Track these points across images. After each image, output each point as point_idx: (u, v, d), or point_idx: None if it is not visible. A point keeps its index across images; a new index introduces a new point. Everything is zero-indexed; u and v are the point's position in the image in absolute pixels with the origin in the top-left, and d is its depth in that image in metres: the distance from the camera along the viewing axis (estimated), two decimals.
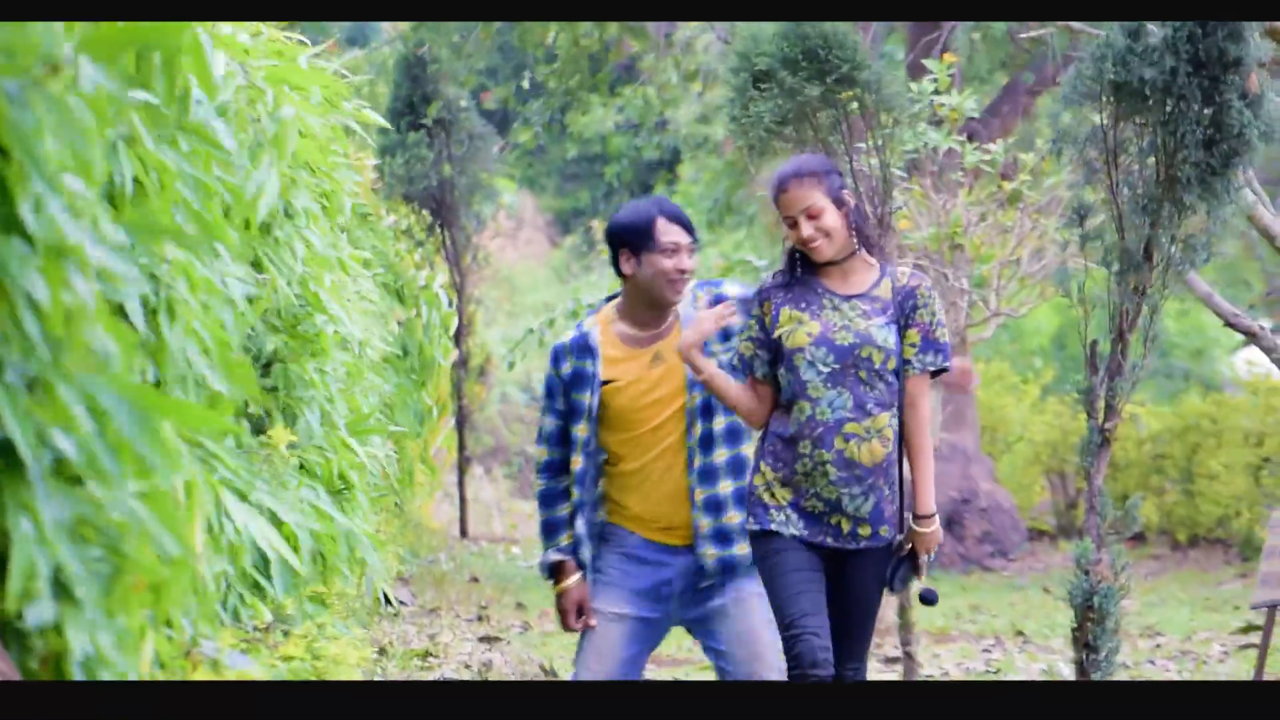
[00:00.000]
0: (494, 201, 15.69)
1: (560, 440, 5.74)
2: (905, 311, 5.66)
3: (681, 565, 5.74)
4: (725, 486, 5.72)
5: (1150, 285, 6.58)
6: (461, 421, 15.24)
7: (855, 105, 7.34)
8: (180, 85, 3.49)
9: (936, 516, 5.65)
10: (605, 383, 5.66)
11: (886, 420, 5.58)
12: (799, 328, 5.58)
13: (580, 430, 5.68)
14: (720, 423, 5.73)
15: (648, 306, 5.67)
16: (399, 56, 15.26)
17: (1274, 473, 15.63)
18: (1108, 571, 6.64)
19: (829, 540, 5.55)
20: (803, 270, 5.68)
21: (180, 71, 3.42)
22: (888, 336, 5.59)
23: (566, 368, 5.69)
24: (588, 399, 5.66)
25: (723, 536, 5.71)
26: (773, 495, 5.57)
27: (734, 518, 5.71)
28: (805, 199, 5.57)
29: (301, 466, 5.27)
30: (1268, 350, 8.16)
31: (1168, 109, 6.37)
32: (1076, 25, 8.10)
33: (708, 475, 5.70)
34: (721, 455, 5.74)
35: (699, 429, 5.70)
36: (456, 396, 14.92)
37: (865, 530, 5.58)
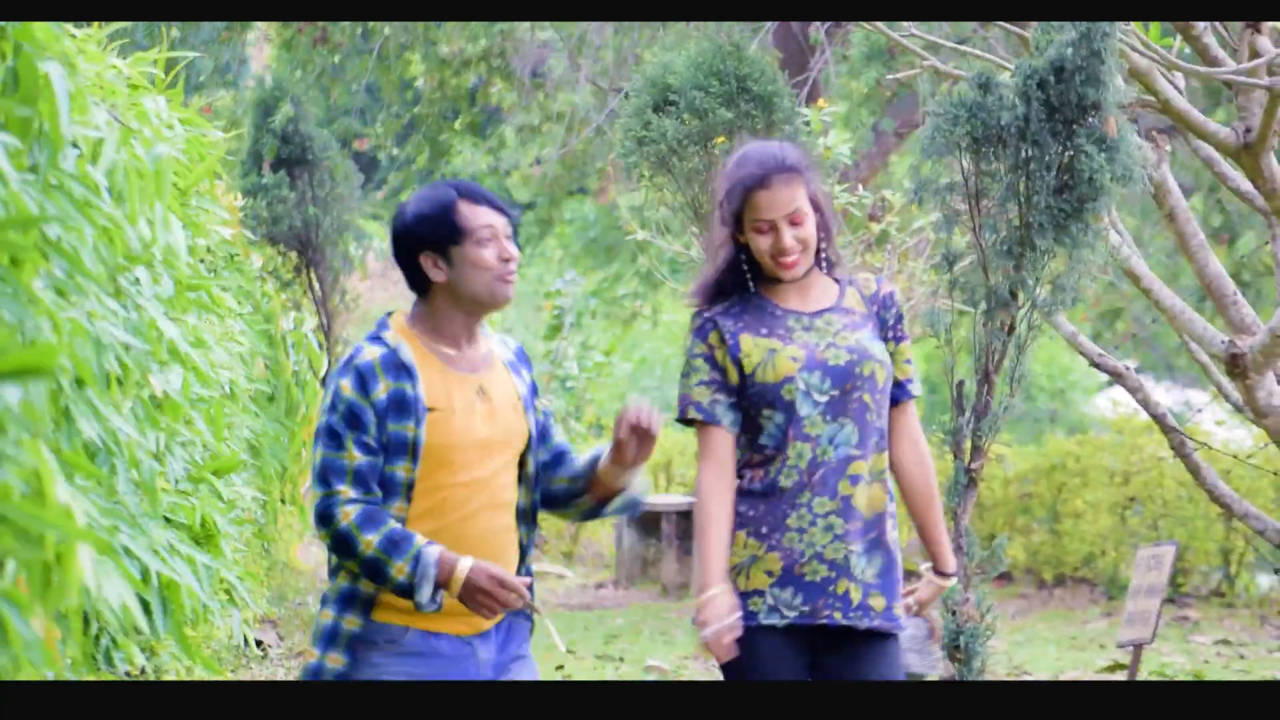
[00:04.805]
0: (361, 243, 15.55)
1: (375, 481, 4.18)
2: (888, 324, 4.56)
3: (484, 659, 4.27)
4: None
5: (1017, 325, 6.64)
6: None
7: (762, 130, 7.37)
8: (42, 121, 3.42)
9: None
10: (429, 410, 4.23)
11: (885, 459, 4.49)
12: (775, 355, 4.42)
13: (403, 470, 4.18)
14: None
15: (469, 314, 4.31)
16: (257, 98, 15.10)
17: (1139, 512, 15.80)
18: (974, 611, 6.68)
19: (836, 616, 4.41)
20: (745, 289, 4.51)
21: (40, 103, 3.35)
22: (883, 350, 4.46)
23: (380, 391, 4.15)
24: (412, 430, 4.19)
25: None
26: (748, 578, 4.40)
27: None
28: (792, 200, 4.38)
29: (167, 519, 5.18)
30: (1133, 390, 8.21)
31: (1022, 154, 6.44)
32: (942, 67, 8.15)
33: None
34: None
35: (533, 494, 4.38)
36: None
37: (879, 602, 4.44)
